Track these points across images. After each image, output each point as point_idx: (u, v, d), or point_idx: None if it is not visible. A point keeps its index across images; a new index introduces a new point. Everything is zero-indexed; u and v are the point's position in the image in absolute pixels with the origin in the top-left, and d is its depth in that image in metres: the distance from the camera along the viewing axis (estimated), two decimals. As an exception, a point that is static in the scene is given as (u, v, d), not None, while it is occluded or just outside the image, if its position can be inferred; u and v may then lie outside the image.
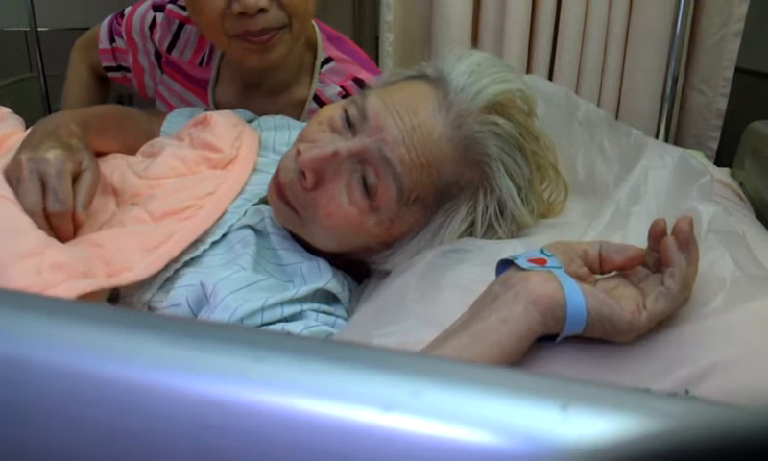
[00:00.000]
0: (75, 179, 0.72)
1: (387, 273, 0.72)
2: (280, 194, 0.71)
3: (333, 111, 0.71)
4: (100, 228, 0.73)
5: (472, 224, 0.70)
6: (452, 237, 0.70)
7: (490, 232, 0.70)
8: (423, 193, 0.67)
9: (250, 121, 0.95)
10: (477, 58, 0.71)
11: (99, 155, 0.92)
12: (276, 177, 0.72)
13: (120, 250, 0.68)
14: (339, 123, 0.69)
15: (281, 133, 0.91)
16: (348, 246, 0.71)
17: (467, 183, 0.69)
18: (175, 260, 0.70)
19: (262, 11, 0.86)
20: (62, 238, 0.68)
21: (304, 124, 0.93)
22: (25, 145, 0.72)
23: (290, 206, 0.71)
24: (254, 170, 0.83)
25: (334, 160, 0.67)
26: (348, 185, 0.67)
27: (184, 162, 0.80)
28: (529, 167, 0.70)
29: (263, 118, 0.94)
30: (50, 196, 0.67)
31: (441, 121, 0.67)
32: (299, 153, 0.69)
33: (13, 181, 0.69)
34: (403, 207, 0.68)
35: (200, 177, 0.79)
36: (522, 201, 0.70)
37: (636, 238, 0.65)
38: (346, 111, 0.69)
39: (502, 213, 0.70)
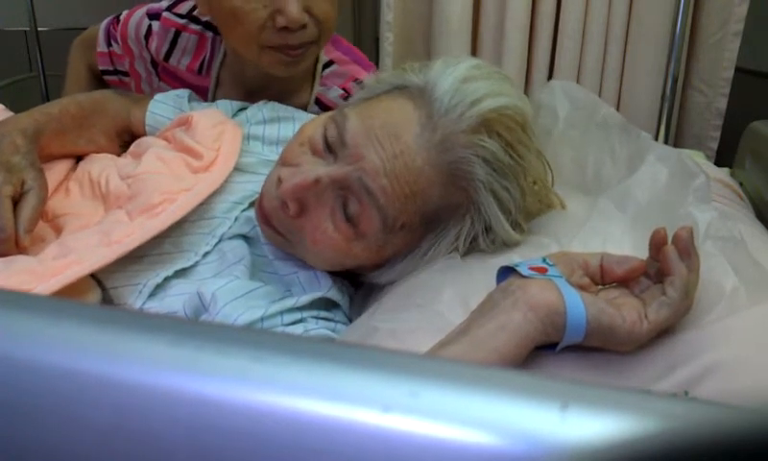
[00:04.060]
0: (18, 200, 0.70)
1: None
2: (266, 221, 0.69)
3: (313, 132, 0.68)
4: None
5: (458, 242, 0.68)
6: (442, 255, 0.68)
7: (473, 246, 0.68)
8: (410, 220, 0.65)
9: (242, 109, 0.93)
10: (463, 71, 0.66)
11: (82, 156, 0.89)
12: (260, 202, 0.70)
13: (82, 249, 0.66)
14: (320, 145, 0.66)
15: (270, 127, 0.88)
16: (339, 266, 0.70)
17: (455, 207, 0.66)
18: (165, 269, 0.69)
19: (302, 26, 0.87)
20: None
21: (296, 114, 0.91)
22: None
23: (277, 232, 0.69)
24: (241, 170, 0.80)
25: (316, 189, 0.64)
26: (333, 213, 0.65)
27: (166, 164, 0.78)
28: (519, 189, 0.67)
29: (251, 110, 0.91)
30: None
31: (424, 145, 0.63)
32: (280, 180, 0.66)
33: None
34: (389, 234, 0.65)
35: (179, 176, 0.77)
36: (511, 224, 0.67)
37: (633, 243, 0.65)
38: (325, 134, 0.66)
39: (488, 234, 0.67)
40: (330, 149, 0.66)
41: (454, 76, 0.65)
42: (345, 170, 0.63)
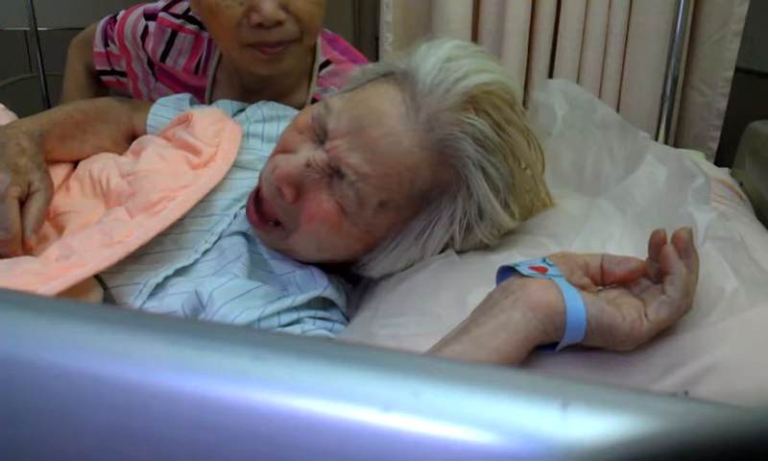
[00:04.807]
0: (24, 201, 0.71)
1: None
2: (260, 221, 0.70)
3: (305, 119, 0.69)
4: None
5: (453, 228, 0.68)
6: (436, 244, 0.68)
7: (469, 237, 0.68)
8: (393, 198, 0.65)
9: (241, 110, 0.93)
10: (447, 50, 0.66)
11: (83, 157, 0.90)
12: (258, 192, 0.71)
13: (84, 250, 0.67)
14: (309, 132, 0.68)
15: (270, 124, 0.89)
16: (331, 252, 0.70)
17: (445, 186, 0.66)
18: (165, 267, 0.69)
19: (278, 23, 0.86)
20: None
21: (295, 113, 0.92)
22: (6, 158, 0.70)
23: (271, 228, 0.70)
24: (240, 168, 0.81)
25: (309, 172, 0.66)
26: (326, 191, 0.66)
27: (166, 161, 0.79)
28: (507, 167, 0.66)
29: (250, 109, 0.92)
30: None
31: (411, 126, 0.64)
32: (275, 167, 0.68)
33: None
34: (375, 214, 0.66)
35: (178, 173, 0.78)
36: (501, 204, 0.67)
37: (633, 244, 0.65)
38: (312, 121, 0.68)
39: (482, 217, 0.67)
40: (318, 135, 0.68)
41: (437, 56, 0.66)
42: (326, 155, 0.66)
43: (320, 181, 0.66)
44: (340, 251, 0.70)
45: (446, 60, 0.65)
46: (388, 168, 0.64)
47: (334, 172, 0.66)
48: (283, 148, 0.70)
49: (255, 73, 0.94)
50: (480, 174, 0.65)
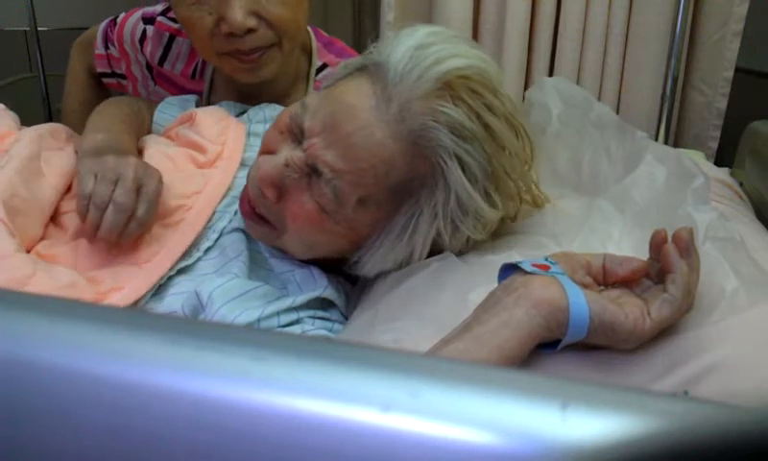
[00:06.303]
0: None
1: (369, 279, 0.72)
2: (251, 212, 0.70)
3: (284, 118, 0.69)
4: None
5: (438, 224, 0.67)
6: (423, 239, 0.67)
7: (457, 234, 0.67)
8: (372, 194, 0.65)
9: (242, 112, 0.94)
10: (419, 37, 0.64)
11: None
12: (245, 192, 0.71)
13: (110, 264, 0.68)
14: (287, 131, 0.68)
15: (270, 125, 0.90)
16: (321, 249, 0.70)
17: (423, 178, 0.65)
18: (168, 268, 0.70)
19: (251, 31, 0.85)
20: (104, 237, 0.68)
21: None
22: (126, 151, 0.73)
23: (262, 222, 0.70)
24: (242, 165, 0.81)
25: (288, 172, 0.66)
26: (307, 191, 0.66)
27: (172, 161, 0.79)
28: (486, 155, 0.64)
29: (252, 110, 0.92)
30: (143, 203, 0.68)
31: (382, 118, 0.62)
32: (258, 168, 0.68)
33: (107, 174, 0.68)
34: (355, 211, 0.65)
35: (187, 174, 0.78)
36: (481, 194, 0.65)
37: (632, 244, 0.65)
38: (290, 121, 0.68)
39: (463, 210, 0.65)
40: (296, 135, 0.67)
41: (408, 44, 0.64)
42: (307, 154, 0.65)
43: (300, 181, 0.66)
44: (328, 249, 0.70)
45: (417, 48, 0.63)
46: (362, 162, 0.63)
47: (312, 171, 0.65)
48: (266, 148, 0.70)
49: (240, 81, 0.93)
50: (456, 163, 0.63)
